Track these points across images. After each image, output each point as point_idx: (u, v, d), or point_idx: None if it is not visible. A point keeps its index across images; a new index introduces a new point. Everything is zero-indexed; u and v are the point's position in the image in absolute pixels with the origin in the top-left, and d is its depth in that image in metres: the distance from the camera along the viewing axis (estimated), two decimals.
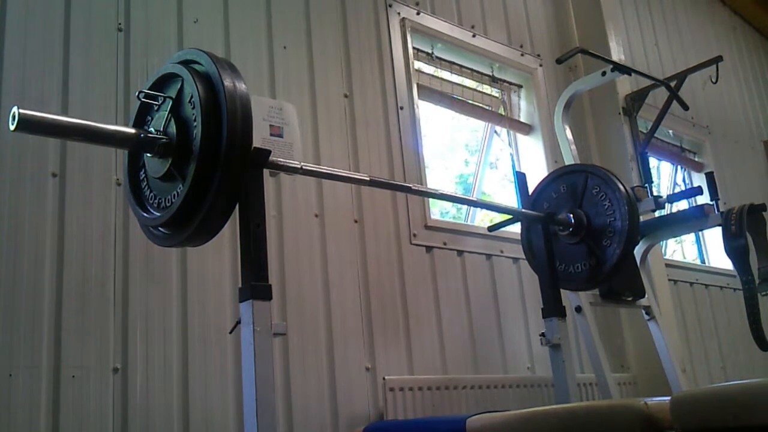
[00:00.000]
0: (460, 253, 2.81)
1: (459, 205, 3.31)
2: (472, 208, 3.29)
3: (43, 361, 1.74)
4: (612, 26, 3.72)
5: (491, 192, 3.60)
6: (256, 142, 1.40)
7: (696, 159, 4.52)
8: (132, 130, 1.38)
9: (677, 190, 4.40)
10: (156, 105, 1.43)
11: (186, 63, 1.40)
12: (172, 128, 1.36)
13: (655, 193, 3.09)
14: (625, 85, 3.60)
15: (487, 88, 3.40)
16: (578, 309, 2.68)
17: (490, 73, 3.37)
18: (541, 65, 3.53)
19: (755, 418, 0.94)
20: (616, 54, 3.59)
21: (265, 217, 1.38)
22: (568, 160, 2.97)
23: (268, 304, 1.34)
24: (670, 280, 3.52)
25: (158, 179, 1.40)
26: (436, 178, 3.28)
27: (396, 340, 2.47)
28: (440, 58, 3.14)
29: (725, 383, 1.08)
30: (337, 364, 2.27)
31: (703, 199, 2.99)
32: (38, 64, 1.95)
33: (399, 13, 2.94)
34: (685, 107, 3.33)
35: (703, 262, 4.46)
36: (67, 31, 2.03)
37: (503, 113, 3.44)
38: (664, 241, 3.73)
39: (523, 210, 2.23)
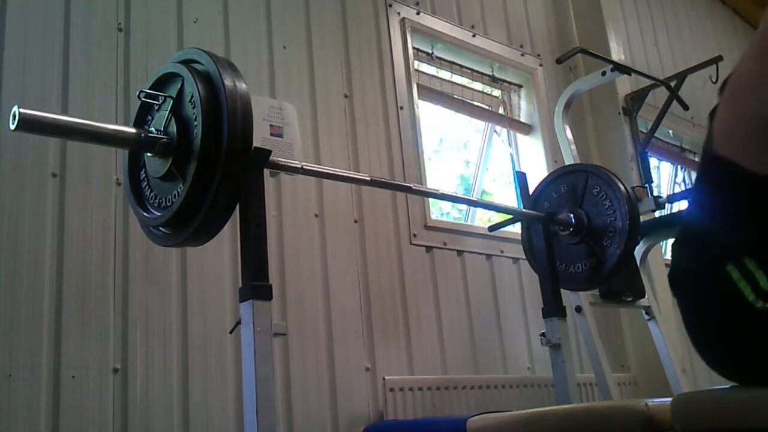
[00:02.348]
0: (460, 253, 2.81)
1: (459, 206, 3.31)
2: (472, 208, 3.29)
3: (43, 361, 1.74)
4: (612, 26, 3.72)
5: (492, 192, 3.60)
6: (256, 142, 1.39)
7: (696, 159, 4.52)
8: (132, 130, 1.38)
9: (677, 190, 4.40)
10: (156, 104, 1.43)
11: (186, 62, 1.39)
12: (173, 128, 1.36)
13: (655, 193, 3.09)
14: (625, 85, 3.60)
15: (487, 88, 3.40)
16: (578, 309, 2.68)
17: (490, 73, 3.37)
18: (541, 65, 3.53)
19: (757, 422, 0.94)
20: (616, 54, 3.59)
21: (265, 217, 1.38)
22: (568, 160, 2.97)
23: (268, 304, 1.33)
24: None
25: (158, 179, 1.40)
26: (437, 179, 3.28)
27: (396, 340, 2.47)
28: (440, 58, 3.14)
29: (727, 386, 1.07)
30: (337, 364, 2.27)
31: None
32: (38, 64, 1.95)
33: (399, 13, 2.94)
34: (685, 107, 3.33)
35: None
36: (67, 31, 2.02)
37: (503, 113, 3.44)
38: (664, 241, 3.73)
39: (524, 210, 2.23)
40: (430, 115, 3.17)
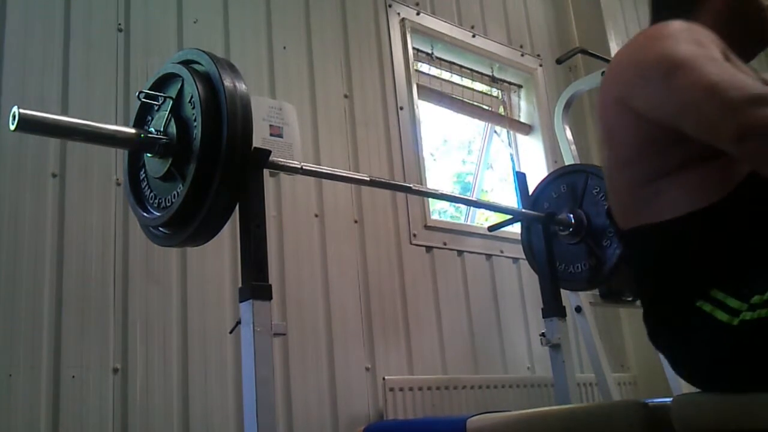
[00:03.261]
0: (460, 253, 2.81)
1: (458, 205, 3.31)
2: (471, 208, 3.29)
3: (43, 361, 1.74)
4: (612, 26, 3.72)
5: (490, 190, 3.60)
6: (256, 142, 1.40)
7: None
8: (132, 130, 1.38)
9: None
10: (156, 105, 1.43)
11: (186, 63, 1.40)
12: (173, 128, 1.36)
13: None
14: None
15: (487, 88, 3.40)
16: (578, 309, 2.68)
17: (490, 73, 3.37)
18: (541, 65, 3.53)
19: (758, 423, 0.94)
20: None
21: (265, 217, 1.38)
22: (568, 160, 2.97)
23: (268, 304, 1.33)
24: None
25: (158, 179, 1.40)
26: (434, 178, 3.28)
27: (396, 340, 2.47)
28: (440, 59, 3.14)
29: None
30: (337, 364, 2.27)
31: None
32: (38, 64, 1.95)
33: (399, 14, 2.94)
34: None
35: None
36: (67, 31, 2.03)
37: (503, 113, 3.44)
38: None
39: (524, 210, 2.23)
40: (434, 116, 3.17)
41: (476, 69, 3.31)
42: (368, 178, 1.73)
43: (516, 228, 2.56)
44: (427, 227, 2.71)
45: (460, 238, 2.83)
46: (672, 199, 1.12)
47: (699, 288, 1.07)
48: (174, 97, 1.37)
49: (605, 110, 1.23)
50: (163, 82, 1.43)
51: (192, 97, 1.33)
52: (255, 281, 1.33)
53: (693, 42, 1.10)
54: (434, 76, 3.12)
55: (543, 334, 2.09)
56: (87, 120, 1.32)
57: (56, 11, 2.02)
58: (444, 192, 2.05)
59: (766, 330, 0.97)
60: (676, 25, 1.14)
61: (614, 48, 3.63)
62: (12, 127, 1.19)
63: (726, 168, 1.10)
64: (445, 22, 3.13)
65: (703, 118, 1.01)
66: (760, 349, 0.99)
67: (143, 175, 1.48)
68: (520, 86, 3.51)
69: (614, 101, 1.19)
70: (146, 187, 1.46)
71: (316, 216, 2.40)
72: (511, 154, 3.47)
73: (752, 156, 0.98)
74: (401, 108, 2.80)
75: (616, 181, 1.24)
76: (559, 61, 3.29)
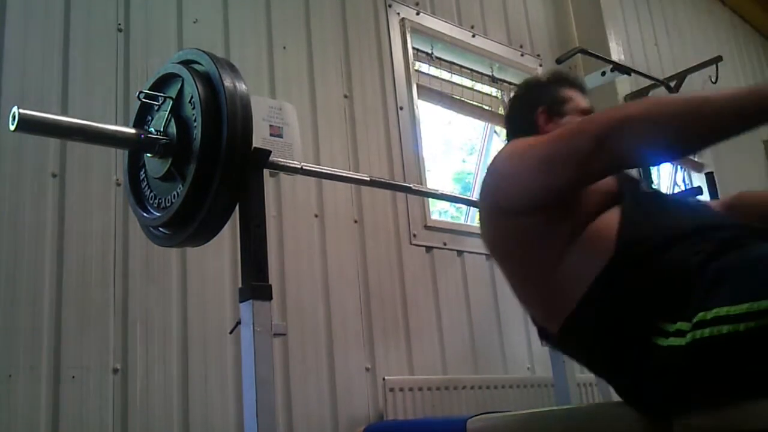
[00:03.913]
0: (460, 253, 2.81)
1: (458, 205, 3.31)
2: (471, 208, 3.29)
3: (43, 361, 1.74)
4: (612, 26, 3.72)
5: None
6: (256, 142, 1.39)
7: (696, 159, 4.52)
8: (132, 131, 1.38)
9: (677, 190, 4.40)
10: (156, 105, 1.43)
11: (186, 63, 1.39)
12: (173, 128, 1.36)
13: None
14: (625, 85, 3.59)
15: (486, 88, 3.40)
16: None
17: (490, 73, 3.37)
18: (541, 65, 3.53)
19: (758, 423, 0.94)
20: (616, 54, 3.59)
21: (265, 217, 1.38)
22: None
23: (268, 304, 1.33)
24: None
25: (158, 179, 1.40)
26: (434, 178, 3.28)
27: (396, 340, 2.47)
28: (440, 59, 3.14)
29: None
30: (337, 364, 2.27)
31: (703, 199, 2.99)
32: (38, 64, 1.95)
33: (399, 14, 2.94)
34: None
35: None
36: (67, 31, 2.03)
37: (503, 113, 3.44)
38: None
39: None
40: (434, 116, 3.17)
41: (476, 69, 3.31)
42: (368, 178, 1.73)
43: None
44: (427, 227, 2.71)
45: (460, 238, 2.83)
46: (576, 273, 1.19)
47: (651, 327, 1.09)
48: (174, 97, 1.37)
49: (485, 230, 1.36)
50: (163, 82, 1.43)
51: (192, 97, 1.33)
52: (255, 281, 1.32)
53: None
54: (434, 76, 3.12)
55: None
56: (87, 120, 1.32)
57: (56, 11, 2.02)
58: (444, 192, 2.05)
59: (715, 347, 0.97)
60: (522, 138, 1.33)
61: (614, 48, 3.63)
62: (12, 128, 1.19)
63: (606, 219, 1.21)
64: (445, 22, 3.13)
65: (565, 153, 1.16)
66: (711, 366, 1.00)
67: (143, 175, 1.47)
68: None
69: (491, 214, 1.32)
70: (146, 187, 1.46)
71: (316, 216, 2.40)
72: None
73: (615, 152, 1.10)
74: (401, 108, 2.80)
75: (523, 289, 1.34)
76: (559, 61, 3.28)
